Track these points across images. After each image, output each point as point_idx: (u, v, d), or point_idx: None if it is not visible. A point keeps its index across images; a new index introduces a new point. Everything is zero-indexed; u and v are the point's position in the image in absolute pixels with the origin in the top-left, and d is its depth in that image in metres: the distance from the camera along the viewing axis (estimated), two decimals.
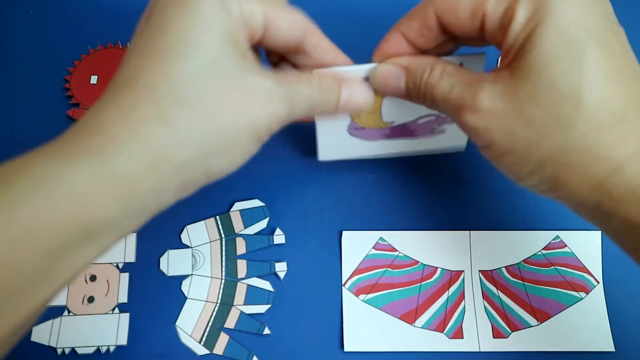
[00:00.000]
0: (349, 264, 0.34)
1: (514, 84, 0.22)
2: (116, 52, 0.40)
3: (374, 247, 0.34)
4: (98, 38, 0.41)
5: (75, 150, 0.20)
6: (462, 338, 0.32)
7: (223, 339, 0.32)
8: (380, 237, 0.35)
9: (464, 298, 0.33)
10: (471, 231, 0.35)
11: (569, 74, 0.21)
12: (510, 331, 0.32)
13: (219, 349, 0.32)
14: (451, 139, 0.32)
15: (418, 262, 0.34)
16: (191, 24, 0.22)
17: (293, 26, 0.25)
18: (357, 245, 0.34)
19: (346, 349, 0.32)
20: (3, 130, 0.38)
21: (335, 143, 0.32)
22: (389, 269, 0.34)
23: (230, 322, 0.33)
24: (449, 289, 0.33)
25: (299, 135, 0.37)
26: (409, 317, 0.33)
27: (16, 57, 0.40)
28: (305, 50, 0.26)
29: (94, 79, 0.39)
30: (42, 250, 0.19)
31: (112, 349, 0.32)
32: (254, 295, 0.33)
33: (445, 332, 0.32)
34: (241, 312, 0.33)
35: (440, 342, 0.32)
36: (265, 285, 0.34)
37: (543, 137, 0.22)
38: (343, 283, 0.33)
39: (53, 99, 0.39)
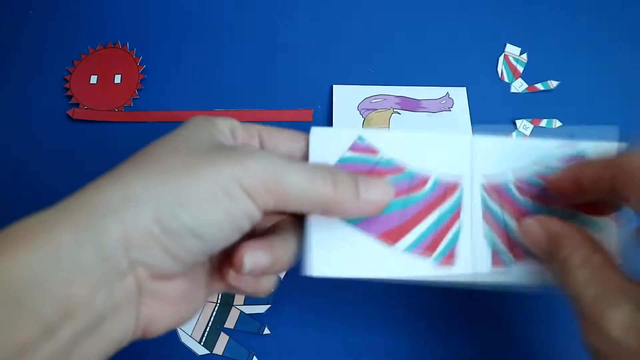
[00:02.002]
0: None
1: None
2: (116, 52, 0.40)
3: (350, 149, 0.26)
4: (98, 38, 0.41)
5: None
6: (453, 265, 0.26)
7: (223, 339, 0.32)
8: (359, 136, 0.26)
9: (459, 217, 0.26)
10: (474, 136, 0.27)
11: None
12: (514, 260, 0.26)
13: (219, 349, 0.32)
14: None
15: (404, 168, 0.26)
16: (227, 208, 0.21)
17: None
18: (328, 145, 0.26)
19: (314, 273, 0.25)
20: (3, 129, 0.38)
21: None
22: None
23: (230, 322, 0.33)
24: (441, 205, 0.26)
25: None
26: (390, 237, 0.25)
27: (16, 57, 0.40)
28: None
29: (93, 79, 0.39)
30: None
31: None
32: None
33: (433, 257, 0.26)
34: (241, 312, 0.33)
35: (426, 270, 0.25)
36: None
37: None
38: None
39: (53, 99, 0.39)
